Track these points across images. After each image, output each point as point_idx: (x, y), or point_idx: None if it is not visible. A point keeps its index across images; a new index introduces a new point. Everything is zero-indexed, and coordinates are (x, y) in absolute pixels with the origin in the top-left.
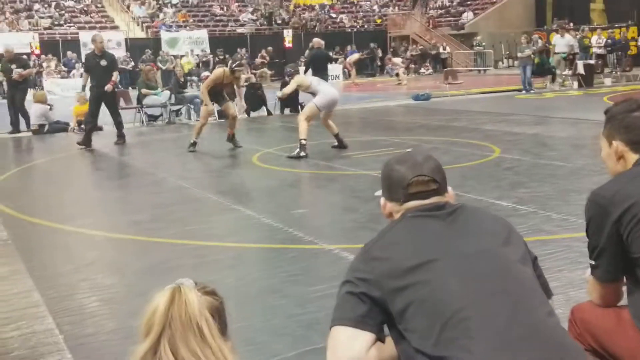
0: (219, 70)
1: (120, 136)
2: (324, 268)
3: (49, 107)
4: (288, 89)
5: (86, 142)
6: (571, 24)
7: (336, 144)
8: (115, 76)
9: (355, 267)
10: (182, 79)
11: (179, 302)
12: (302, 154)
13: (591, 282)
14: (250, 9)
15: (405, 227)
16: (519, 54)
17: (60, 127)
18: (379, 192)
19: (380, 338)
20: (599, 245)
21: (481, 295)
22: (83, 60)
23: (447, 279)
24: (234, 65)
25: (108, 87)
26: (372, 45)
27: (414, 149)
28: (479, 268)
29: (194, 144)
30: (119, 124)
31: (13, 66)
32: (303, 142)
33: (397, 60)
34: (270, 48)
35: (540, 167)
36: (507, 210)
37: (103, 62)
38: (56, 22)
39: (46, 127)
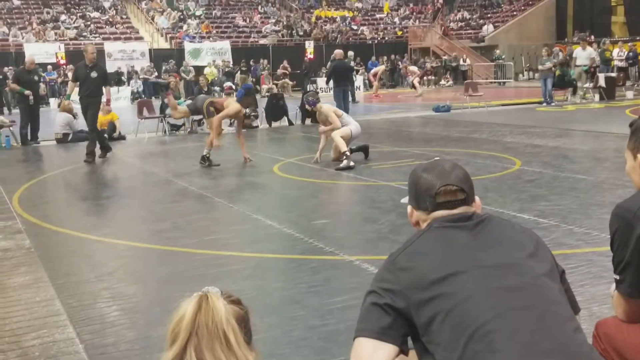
0: (237, 107)
1: (90, 154)
2: (345, 279)
3: (73, 116)
4: (336, 122)
5: (105, 152)
6: (592, 37)
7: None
8: (108, 92)
9: (381, 277)
10: (206, 89)
11: (206, 310)
12: (351, 163)
13: (616, 297)
14: (273, 21)
15: (432, 238)
16: (540, 67)
17: (83, 137)
18: (405, 199)
19: (403, 350)
20: (623, 259)
21: (507, 308)
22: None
23: (473, 292)
24: (252, 114)
25: (107, 108)
26: (392, 56)
27: (440, 157)
28: (505, 281)
29: (206, 158)
30: (92, 140)
31: (35, 77)
32: (348, 152)
33: (414, 68)
34: (309, 58)
35: (562, 180)
36: (528, 223)
37: (94, 74)
38: (82, 33)
39: (70, 136)
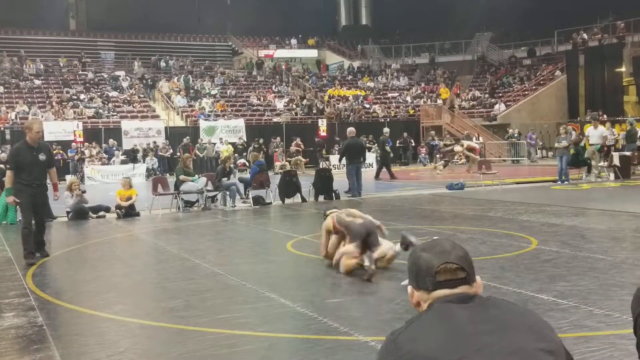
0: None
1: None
2: None
3: (72, 195)
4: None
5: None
6: (604, 116)
7: None
8: (54, 175)
9: (383, 357)
10: (228, 169)
11: None
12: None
13: None
14: (286, 100)
15: (433, 319)
16: (556, 145)
17: (101, 208)
18: (405, 282)
19: None
20: None
21: None
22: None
23: None
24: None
25: (55, 196)
26: (405, 134)
27: (440, 236)
28: None
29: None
30: (41, 231)
31: (42, 157)
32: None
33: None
34: (322, 135)
35: (580, 259)
36: (547, 304)
37: (42, 157)
38: (100, 111)
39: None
